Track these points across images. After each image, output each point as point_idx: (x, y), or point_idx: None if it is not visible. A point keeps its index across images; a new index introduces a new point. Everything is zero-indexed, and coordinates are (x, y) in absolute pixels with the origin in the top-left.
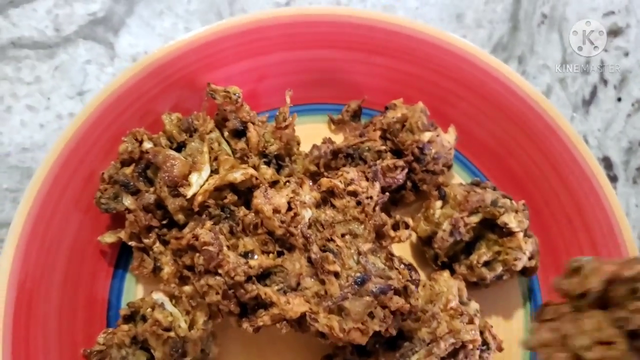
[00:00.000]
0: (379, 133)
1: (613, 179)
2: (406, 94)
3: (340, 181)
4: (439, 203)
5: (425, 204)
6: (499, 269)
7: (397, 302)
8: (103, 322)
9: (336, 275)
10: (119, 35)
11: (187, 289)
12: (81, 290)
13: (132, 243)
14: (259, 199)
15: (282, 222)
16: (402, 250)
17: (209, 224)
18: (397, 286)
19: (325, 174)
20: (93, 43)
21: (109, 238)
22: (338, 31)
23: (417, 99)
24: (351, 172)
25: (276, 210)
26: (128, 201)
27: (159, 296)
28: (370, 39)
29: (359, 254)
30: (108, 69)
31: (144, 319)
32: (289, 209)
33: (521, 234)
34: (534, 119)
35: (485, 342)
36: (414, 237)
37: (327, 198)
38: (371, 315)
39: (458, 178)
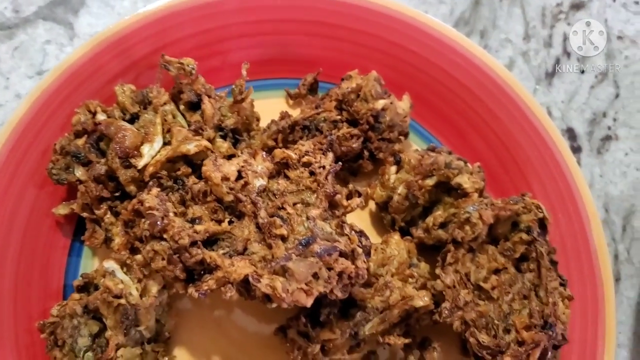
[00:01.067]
0: (334, 104)
1: (577, 149)
2: (364, 67)
3: (295, 153)
4: (393, 168)
5: (381, 169)
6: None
7: (343, 263)
8: (60, 295)
9: (283, 239)
10: (78, 16)
11: (139, 257)
12: (37, 265)
13: (84, 214)
14: (208, 166)
15: (231, 189)
16: (362, 219)
17: (155, 190)
18: (344, 249)
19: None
20: (52, 23)
21: (62, 210)
22: (295, 4)
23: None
24: (306, 145)
25: (225, 178)
26: (79, 172)
27: (109, 264)
28: (328, 12)
29: (308, 219)
30: (67, 49)
31: (97, 288)
32: (240, 177)
33: (476, 195)
34: (494, 90)
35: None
36: (372, 205)
37: (281, 170)
38: (316, 276)
39: (416, 147)
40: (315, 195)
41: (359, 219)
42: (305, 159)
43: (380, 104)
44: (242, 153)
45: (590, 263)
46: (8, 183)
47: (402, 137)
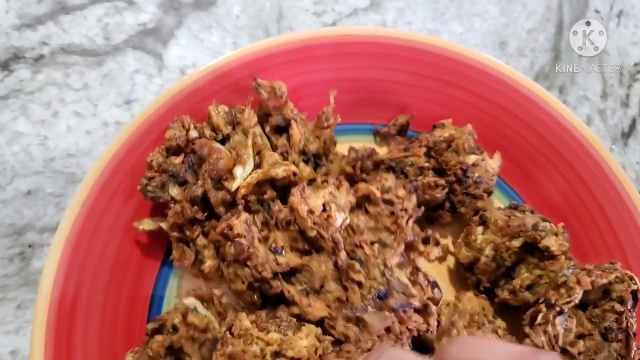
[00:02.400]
0: (423, 150)
1: None
2: (451, 118)
3: (378, 187)
4: (480, 229)
5: (467, 229)
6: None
7: (416, 320)
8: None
9: (359, 284)
10: (167, 47)
11: (217, 291)
12: (125, 291)
13: (174, 234)
14: (295, 197)
15: (315, 223)
16: (442, 275)
17: (244, 215)
18: (418, 305)
19: (362, 176)
20: (142, 53)
21: (147, 225)
22: (385, 52)
23: (461, 123)
24: (389, 180)
25: (311, 212)
26: (175, 191)
27: (190, 301)
28: (418, 61)
29: (385, 266)
30: (156, 80)
31: (175, 328)
32: (324, 209)
33: (563, 257)
34: (576, 148)
35: None
36: (451, 262)
37: (362, 203)
38: (387, 329)
39: (497, 202)
40: (393, 237)
41: (437, 274)
42: (387, 196)
43: (472, 159)
44: (326, 181)
45: None
46: (100, 218)
47: (485, 194)
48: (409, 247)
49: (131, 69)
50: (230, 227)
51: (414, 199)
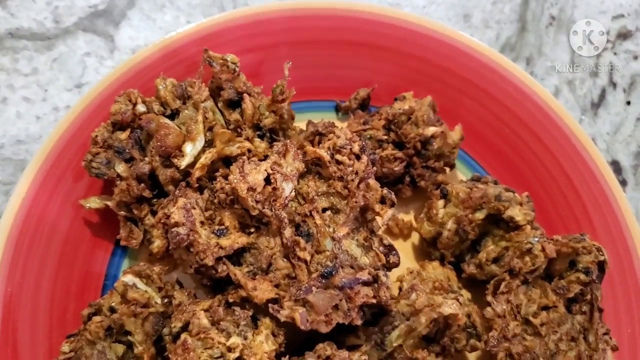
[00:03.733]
0: (383, 122)
1: (622, 183)
2: (412, 91)
3: (330, 147)
4: (441, 202)
5: (427, 203)
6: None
7: (365, 294)
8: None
9: (306, 262)
10: (119, 28)
11: (156, 268)
12: (77, 271)
13: (121, 212)
14: (234, 174)
15: (257, 201)
16: (406, 252)
17: (181, 201)
18: (367, 278)
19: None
20: (93, 35)
21: (93, 203)
22: (343, 25)
23: (423, 96)
24: (342, 136)
25: (251, 189)
26: (121, 168)
27: (129, 278)
28: (377, 34)
29: (334, 240)
30: (107, 62)
31: (113, 310)
32: (268, 182)
33: (529, 227)
34: (542, 119)
35: (473, 326)
36: (416, 238)
37: (313, 168)
38: (336, 307)
39: (460, 175)
40: (345, 202)
41: (402, 250)
42: (338, 157)
43: (430, 130)
44: (271, 152)
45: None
46: (47, 201)
47: (447, 168)
48: (365, 209)
49: (82, 51)
50: (168, 216)
51: (364, 159)
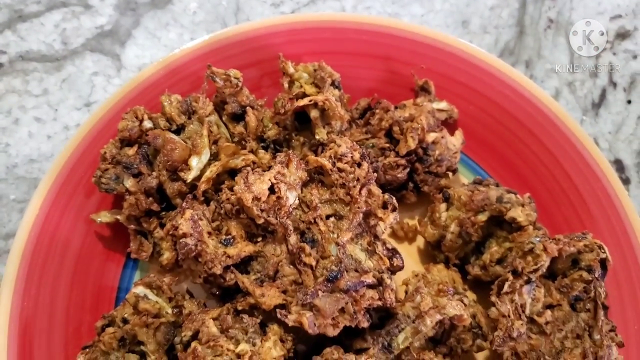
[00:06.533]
0: (385, 131)
1: (625, 181)
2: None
3: (331, 156)
4: (443, 206)
5: (430, 207)
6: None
7: (370, 297)
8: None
9: (312, 267)
10: (125, 47)
11: (166, 279)
12: (90, 285)
13: (131, 226)
14: (239, 185)
15: (262, 210)
16: (412, 256)
17: (189, 212)
18: (371, 281)
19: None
20: (100, 55)
21: (104, 217)
22: (342, 37)
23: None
24: (343, 145)
25: (256, 198)
26: (129, 183)
27: (139, 289)
28: (378, 44)
29: (338, 245)
30: (115, 80)
31: (125, 322)
32: (273, 192)
33: (531, 228)
34: (542, 121)
35: (479, 326)
36: (421, 242)
37: (315, 176)
38: (342, 310)
39: (463, 179)
40: (348, 208)
41: (408, 254)
42: (340, 165)
43: (431, 137)
44: (274, 162)
45: None
46: (59, 219)
47: (449, 173)
48: (368, 214)
49: (90, 71)
50: (176, 227)
51: (365, 165)
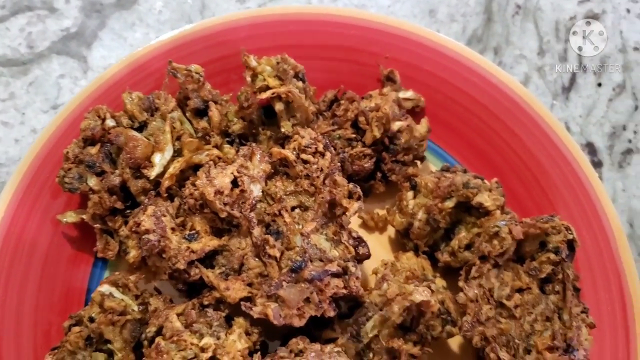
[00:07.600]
0: (350, 122)
1: (598, 164)
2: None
3: (295, 147)
4: (410, 194)
5: (398, 195)
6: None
7: (335, 285)
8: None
9: (276, 259)
10: (91, 49)
11: (132, 276)
12: (58, 286)
13: (96, 225)
14: (200, 179)
15: (225, 204)
16: (383, 245)
17: (150, 209)
18: (336, 270)
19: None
20: (66, 57)
21: (70, 217)
22: (307, 29)
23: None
24: (306, 136)
25: (218, 192)
26: (92, 182)
27: (105, 288)
28: (344, 35)
29: (302, 235)
30: (82, 82)
31: (92, 320)
32: (236, 185)
33: (498, 212)
34: (511, 107)
35: (448, 312)
36: (392, 231)
37: (280, 169)
38: (307, 300)
39: (432, 167)
40: (313, 199)
41: (379, 244)
42: (303, 156)
43: (396, 125)
44: (237, 156)
45: (618, 280)
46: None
47: (417, 161)
48: (333, 204)
49: (56, 74)
50: (138, 224)
51: (328, 155)
